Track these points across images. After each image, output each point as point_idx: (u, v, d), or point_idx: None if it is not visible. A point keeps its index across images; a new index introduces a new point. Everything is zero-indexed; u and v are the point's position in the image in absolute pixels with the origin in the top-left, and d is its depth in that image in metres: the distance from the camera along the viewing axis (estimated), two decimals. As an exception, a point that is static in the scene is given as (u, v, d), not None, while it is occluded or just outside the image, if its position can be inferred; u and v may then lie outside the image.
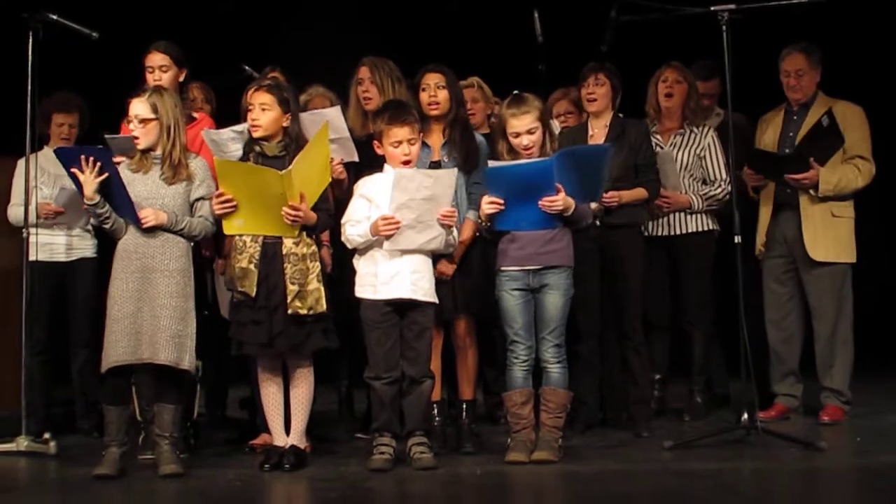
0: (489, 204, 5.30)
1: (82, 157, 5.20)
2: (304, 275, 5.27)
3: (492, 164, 5.39)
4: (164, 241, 5.23)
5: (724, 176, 6.36)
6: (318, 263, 5.32)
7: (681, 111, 6.49)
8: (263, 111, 5.36)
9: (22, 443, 5.63)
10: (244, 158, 5.41)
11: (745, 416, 5.48)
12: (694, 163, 6.43)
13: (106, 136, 5.59)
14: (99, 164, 5.18)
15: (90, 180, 5.18)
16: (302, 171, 5.20)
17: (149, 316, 5.16)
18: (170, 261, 5.23)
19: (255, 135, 5.38)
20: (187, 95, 5.98)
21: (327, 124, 5.46)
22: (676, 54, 6.67)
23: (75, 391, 6.43)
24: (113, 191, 5.20)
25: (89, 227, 6.30)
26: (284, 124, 5.39)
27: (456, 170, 5.39)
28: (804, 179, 6.07)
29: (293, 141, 5.39)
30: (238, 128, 5.57)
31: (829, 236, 6.15)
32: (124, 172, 5.27)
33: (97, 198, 5.19)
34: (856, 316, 6.31)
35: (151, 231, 5.22)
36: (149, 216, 5.19)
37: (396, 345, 5.32)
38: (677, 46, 6.84)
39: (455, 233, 5.43)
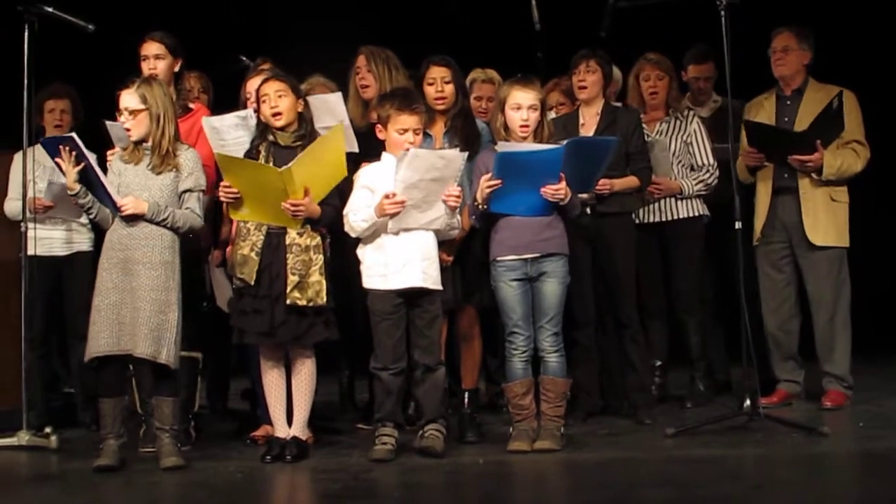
0: (488, 184, 5.23)
1: (60, 146, 5.18)
2: (306, 266, 5.25)
3: (501, 146, 5.32)
4: (148, 234, 5.18)
5: (710, 161, 6.39)
6: (321, 256, 5.30)
7: (665, 101, 6.51)
8: (281, 98, 5.33)
9: (23, 437, 5.61)
10: (255, 149, 5.39)
11: (748, 402, 5.47)
12: (681, 149, 6.43)
13: (106, 122, 5.57)
14: (74, 153, 5.15)
15: (70, 170, 5.16)
16: (306, 167, 5.17)
17: (130, 308, 5.12)
18: (153, 253, 5.17)
19: (278, 123, 5.35)
20: (183, 86, 5.95)
21: (341, 126, 5.44)
22: (674, 40, 6.65)
23: (75, 384, 6.42)
24: (91, 180, 5.18)
25: (85, 221, 6.26)
26: (299, 109, 5.38)
27: (466, 153, 5.32)
28: (809, 162, 6.04)
29: (308, 124, 5.38)
30: (241, 113, 5.55)
31: (828, 221, 6.13)
32: (117, 163, 5.26)
33: (78, 187, 5.16)
34: (858, 301, 6.29)
35: (135, 223, 5.17)
36: (128, 204, 5.16)
37: (404, 335, 5.30)
38: (675, 32, 6.82)
39: (458, 216, 5.38)
